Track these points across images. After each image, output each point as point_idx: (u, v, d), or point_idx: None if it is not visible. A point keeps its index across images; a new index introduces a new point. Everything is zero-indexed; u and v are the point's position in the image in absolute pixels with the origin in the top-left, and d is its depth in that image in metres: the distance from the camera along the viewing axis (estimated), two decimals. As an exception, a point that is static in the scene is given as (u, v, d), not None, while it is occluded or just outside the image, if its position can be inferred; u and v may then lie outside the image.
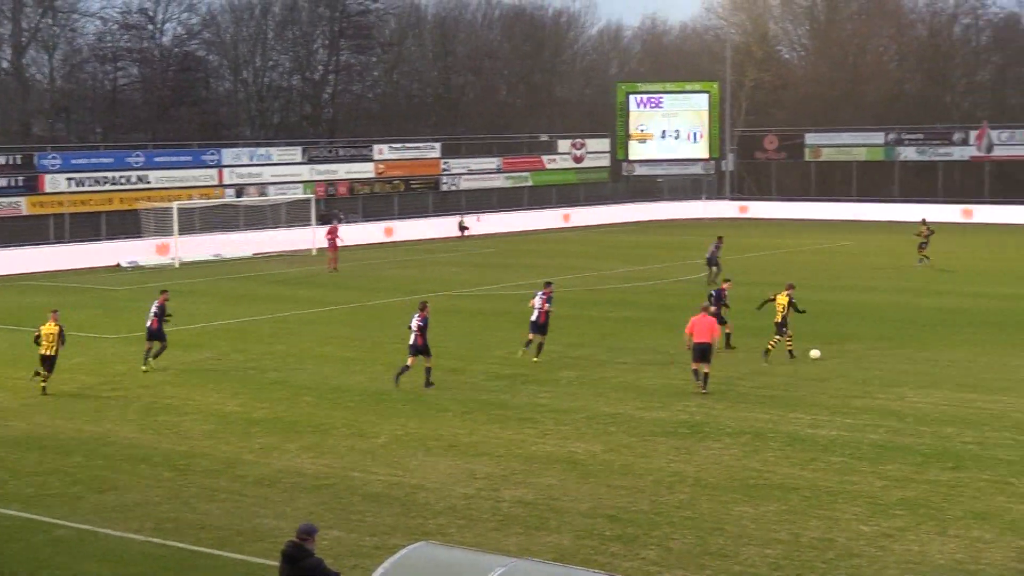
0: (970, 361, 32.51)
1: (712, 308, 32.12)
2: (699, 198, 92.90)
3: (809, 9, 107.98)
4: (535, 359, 32.90)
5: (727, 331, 34.10)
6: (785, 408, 27.24)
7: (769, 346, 32.80)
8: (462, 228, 76.79)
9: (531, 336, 33.30)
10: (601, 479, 21.90)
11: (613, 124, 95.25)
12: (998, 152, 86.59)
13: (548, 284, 34.79)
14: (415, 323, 30.00)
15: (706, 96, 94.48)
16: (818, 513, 19.84)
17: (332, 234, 58.97)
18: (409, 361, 29.97)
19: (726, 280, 36.16)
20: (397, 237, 74.35)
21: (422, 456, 23.64)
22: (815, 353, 32.49)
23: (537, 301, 33.43)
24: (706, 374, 28.81)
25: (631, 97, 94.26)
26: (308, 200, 70.77)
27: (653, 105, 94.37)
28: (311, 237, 66.96)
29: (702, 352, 28.73)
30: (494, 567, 12.16)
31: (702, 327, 28.80)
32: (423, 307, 30.62)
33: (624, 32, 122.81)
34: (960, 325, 38.61)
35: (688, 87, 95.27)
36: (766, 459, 23.12)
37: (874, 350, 34.21)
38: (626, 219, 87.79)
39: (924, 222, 57.39)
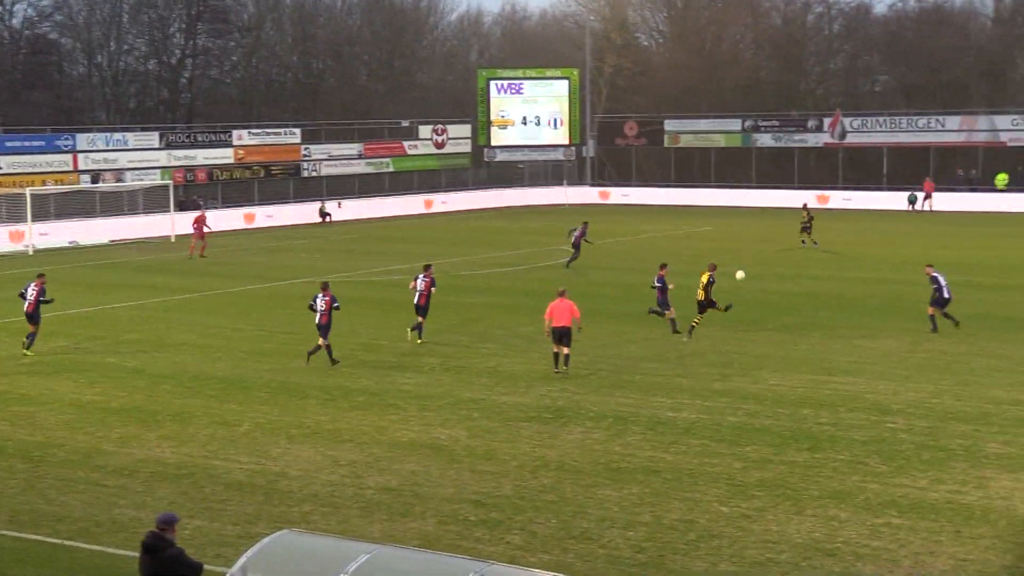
0: (825, 344, 33.17)
1: (566, 290, 32.43)
2: (560, 184, 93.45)
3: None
4: (419, 341, 33.41)
5: (671, 316, 34.85)
6: (647, 392, 27.55)
7: (694, 322, 34.31)
8: (323, 214, 76.30)
9: (419, 318, 33.96)
10: (465, 464, 21.94)
11: (474, 110, 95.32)
12: (851, 139, 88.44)
13: (428, 267, 35.08)
14: (319, 303, 30.58)
15: (566, 82, 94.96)
16: (679, 495, 20.10)
17: (199, 222, 57.67)
18: (320, 341, 30.62)
19: (663, 265, 36.19)
20: (257, 224, 73.63)
21: (285, 444, 23.46)
22: (740, 274, 34.99)
23: (419, 283, 34.07)
24: (566, 355, 29.27)
25: (492, 83, 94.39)
26: (166, 186, 69.68)
27: (514, 91, 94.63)
28: (170, 223, 66.00)
29: (561, 335, 29.27)
30: (358, 553, 12.13)
31: (560, 311, 29.44)
32: (325, 288, 31.20)
33: (484, 18, 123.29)
34: (815, 309, 39.35)
35: (548, 73, 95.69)
36: (628, 443, 23.35)
37: (733, 334, 34.72)
38: (488, 205, 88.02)
39: (805, 207, 59.78)
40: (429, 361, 31.20)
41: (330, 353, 30.60)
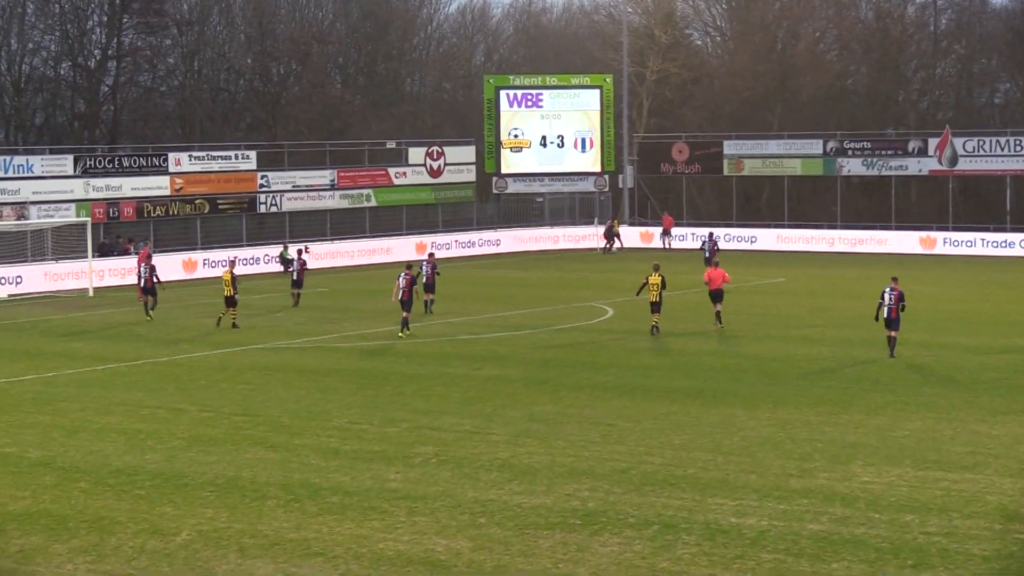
0: (934, 430, 33.00)
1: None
2: (590, 223, 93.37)
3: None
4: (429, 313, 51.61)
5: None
6: (703, 491, 27.40)
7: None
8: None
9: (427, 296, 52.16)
10: (469, 586, 21.85)
11: (480, 128, 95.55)
12: (963, 165, 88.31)
13: (410, 265, 50.85)
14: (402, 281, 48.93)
15: (598, 92, 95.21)
16: (747, 626, 20.00)
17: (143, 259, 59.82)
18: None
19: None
20: (201, 273, 73.73)
21: (235, 558, 23.35)
22: None
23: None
24: (718, 312, 50.30)
25: (502, 93, 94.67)
26: (83, 225, 69.74)
27: (530, 104, 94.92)
28: (87, 272, 66.04)
29: (716, 296, 50.40)
30: None
31: (715, 277, 50.26)
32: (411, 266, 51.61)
33: (492, 10, 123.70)
34: (920, 385, 39.18)
35: (575, 81, 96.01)
36: (679, 557, 23.22)
37: (815, 415, 34.58)
38: (497, 251, 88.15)
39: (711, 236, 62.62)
40: (422, 451, 31.11)
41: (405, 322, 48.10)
